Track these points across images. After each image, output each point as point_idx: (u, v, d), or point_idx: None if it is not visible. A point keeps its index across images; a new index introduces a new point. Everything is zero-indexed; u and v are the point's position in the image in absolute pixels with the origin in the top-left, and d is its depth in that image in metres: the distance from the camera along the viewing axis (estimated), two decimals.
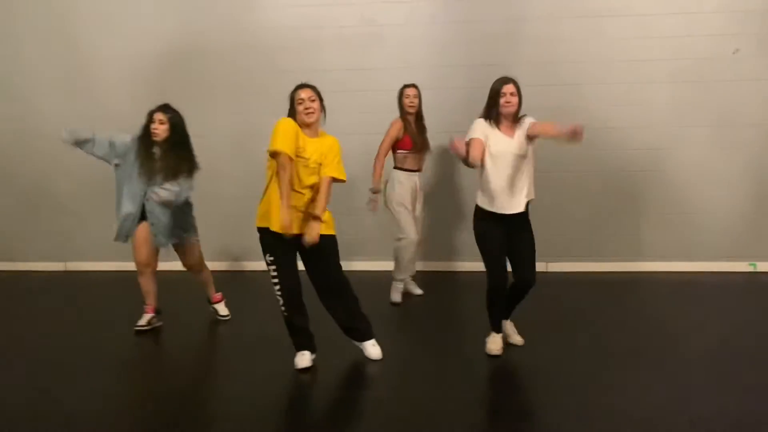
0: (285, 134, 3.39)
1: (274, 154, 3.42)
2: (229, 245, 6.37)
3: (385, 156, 5.06)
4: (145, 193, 4.34)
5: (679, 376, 3.45)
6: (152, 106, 4.37)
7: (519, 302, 3.91)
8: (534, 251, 3.79)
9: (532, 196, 3.77)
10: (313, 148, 3.55)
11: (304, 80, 3.69)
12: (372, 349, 3.81)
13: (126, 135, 4.39)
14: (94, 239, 6.41)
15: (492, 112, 3.75)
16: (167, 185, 4.29)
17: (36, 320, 4.91)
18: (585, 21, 5.88)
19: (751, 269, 5.88)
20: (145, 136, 4.36)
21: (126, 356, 4.06)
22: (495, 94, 3.75)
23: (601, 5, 5.87)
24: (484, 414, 3.15)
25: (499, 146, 3.69)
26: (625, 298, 5.17)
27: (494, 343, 3.88)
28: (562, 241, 6.00)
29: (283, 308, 3.60)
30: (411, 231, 5.03)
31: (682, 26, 5.79)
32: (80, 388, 3.51)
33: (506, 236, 3.74)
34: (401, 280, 5.17)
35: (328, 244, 3.65)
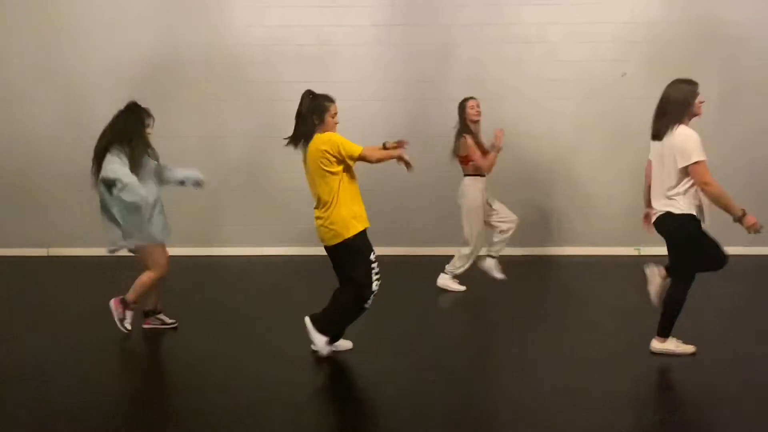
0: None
1: (357, 158, 4.00)
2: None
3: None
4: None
5: None
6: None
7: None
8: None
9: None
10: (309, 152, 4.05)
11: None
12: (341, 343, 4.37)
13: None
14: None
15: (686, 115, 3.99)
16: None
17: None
18: (505, 46, 7.06)
19: (636, 253, 7.15)
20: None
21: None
22: (693, 98, 3.95)
23: (519, 33, 7.04)
24: None
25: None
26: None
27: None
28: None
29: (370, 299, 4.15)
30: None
31: (584, 53, 7.03)
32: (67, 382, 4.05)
33: None
34: (448, 272, 5.86)
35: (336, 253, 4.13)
